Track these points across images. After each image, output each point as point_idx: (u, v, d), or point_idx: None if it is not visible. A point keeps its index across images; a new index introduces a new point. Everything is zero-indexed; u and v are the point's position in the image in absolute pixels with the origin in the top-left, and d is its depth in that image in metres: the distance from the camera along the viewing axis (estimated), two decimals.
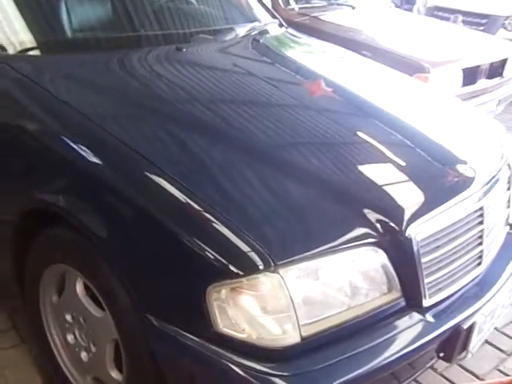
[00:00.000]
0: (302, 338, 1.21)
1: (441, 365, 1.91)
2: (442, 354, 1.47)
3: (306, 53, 2.52)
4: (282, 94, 1.91)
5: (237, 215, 1.25)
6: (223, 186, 1.36)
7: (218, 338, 1.20)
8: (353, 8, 4.25)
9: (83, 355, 1.58)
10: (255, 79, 1.97)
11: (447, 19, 5.53)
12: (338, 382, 1.22)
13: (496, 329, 1.97)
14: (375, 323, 1.32)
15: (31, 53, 1.79)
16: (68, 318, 1.59)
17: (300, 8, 3.99)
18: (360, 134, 1.68)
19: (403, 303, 1.37)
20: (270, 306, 1.19)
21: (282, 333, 1.20)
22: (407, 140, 1.67)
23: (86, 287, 1.51)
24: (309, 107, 1.83)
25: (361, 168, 1.50)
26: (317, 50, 2.56)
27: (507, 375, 1.93)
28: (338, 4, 4.30)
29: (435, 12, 6.44)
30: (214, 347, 1.21)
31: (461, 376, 1.93)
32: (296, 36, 2.60)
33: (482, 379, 1.91)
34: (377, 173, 1.49)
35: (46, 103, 1.58)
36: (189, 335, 1.23)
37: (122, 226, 1.32)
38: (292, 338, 1.20)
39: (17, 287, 1.75)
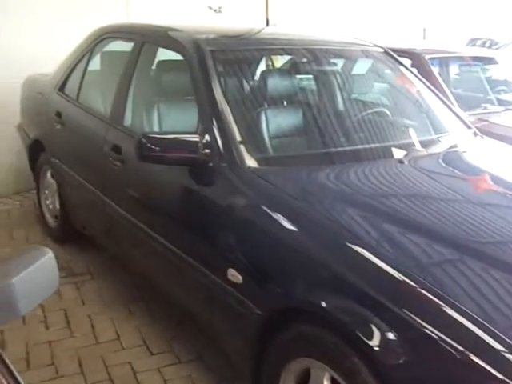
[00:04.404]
0: None
1: None
2: None
3: None
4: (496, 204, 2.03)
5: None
6: (484, 299, 1.44)
7: None
8: None
9: None
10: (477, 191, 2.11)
11: None
12: None
13: None
14: None
15: None
16: None
17: (475, 114, 4.05)
18: None
19: None
20: None
21: None
22: None
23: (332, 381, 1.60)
24: None
25: None
26: None
27: None
28: None
29: None
30: None
31: None
32: (496, 145, 2.70)
33: None
34: None
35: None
36: None
37: (390, 337, 1.40)
38: None
39: (250, 373, 1.89)
